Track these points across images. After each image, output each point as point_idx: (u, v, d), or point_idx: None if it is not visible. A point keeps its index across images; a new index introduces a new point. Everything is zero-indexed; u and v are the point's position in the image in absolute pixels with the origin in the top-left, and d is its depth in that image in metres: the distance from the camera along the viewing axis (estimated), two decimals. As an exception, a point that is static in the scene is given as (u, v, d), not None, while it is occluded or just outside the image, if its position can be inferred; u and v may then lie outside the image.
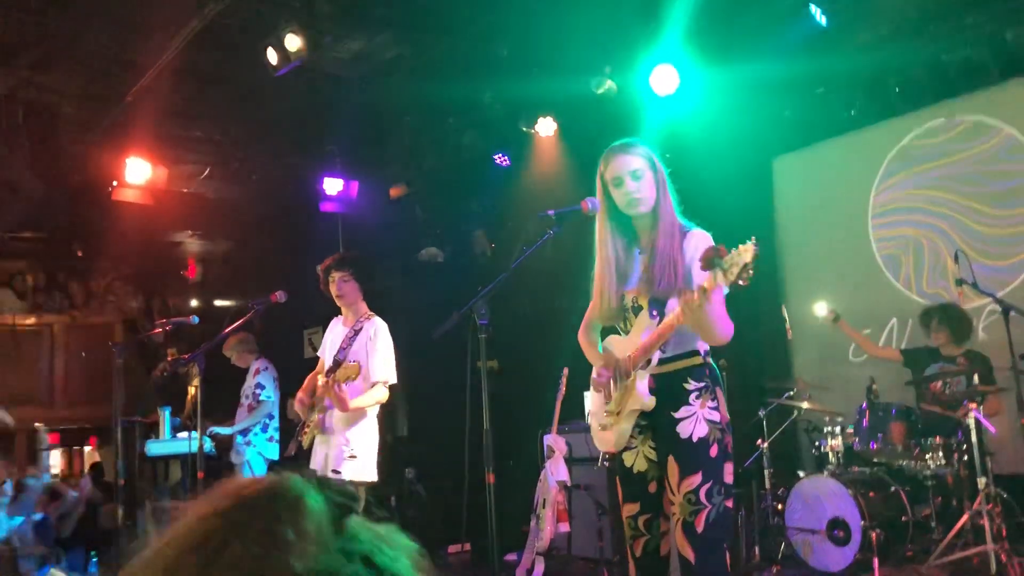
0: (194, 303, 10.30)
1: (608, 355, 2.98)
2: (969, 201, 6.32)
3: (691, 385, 2.83)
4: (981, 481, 4.84)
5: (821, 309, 6.18)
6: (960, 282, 5.26)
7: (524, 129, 7.41)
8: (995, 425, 5.16)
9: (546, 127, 7.36)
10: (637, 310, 2.89)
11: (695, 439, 2.78)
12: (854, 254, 6.88)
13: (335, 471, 4.03)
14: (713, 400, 2.84)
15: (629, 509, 2.92)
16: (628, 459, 2.93)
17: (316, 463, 4.17)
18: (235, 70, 6.98)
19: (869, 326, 6.57)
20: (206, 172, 8.30)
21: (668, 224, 2.87)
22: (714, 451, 2.79)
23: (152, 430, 6.87)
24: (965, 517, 4.88)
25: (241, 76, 7.09)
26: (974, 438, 4.92)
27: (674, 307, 2.76)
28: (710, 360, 2.89)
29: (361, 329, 4.20)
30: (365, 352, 4.16)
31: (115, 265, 10.07)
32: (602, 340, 3.12)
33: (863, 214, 6.89)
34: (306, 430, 4.19)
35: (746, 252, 2.46)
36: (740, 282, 2.46)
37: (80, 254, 10.28)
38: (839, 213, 7.07)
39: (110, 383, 7.54)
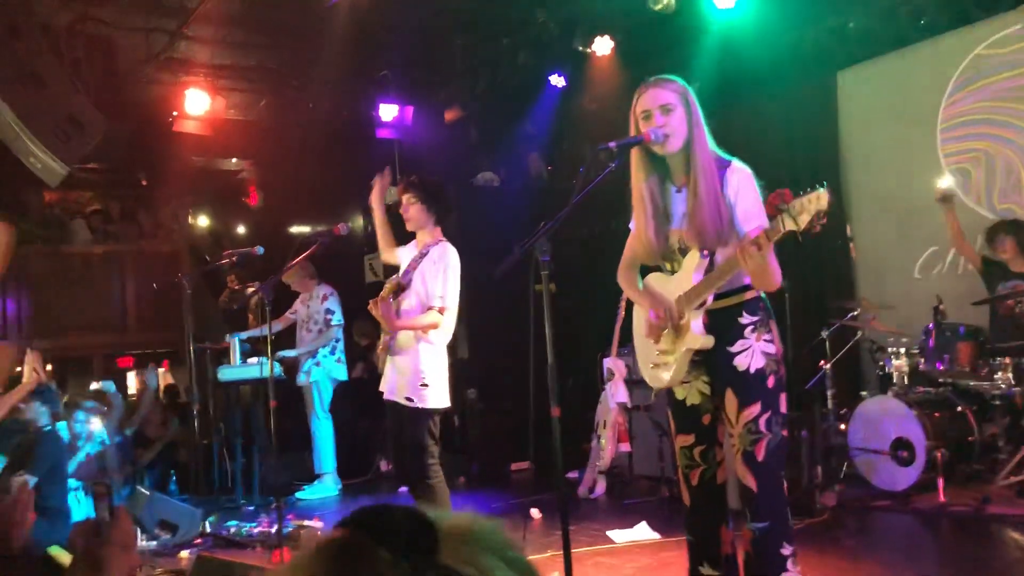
0: (256, 230, 10.48)
1: (654, 295, 2.97)
2: (1045, 112, 6.06)
3: (745, 319, 2.83)
4: (1051, 401, 4.78)
5: (944, 182, 6.05)
6: (1034, 198, 5.10)
7: (580, 48, 7.27)
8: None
9: (603, 46, 7.20)
10: (685, 251, 2.86)
11: (752, 371, 2.80)
12: (922, 169, 6.68)
13: (408, 399, 4.09)
14: (768, 333, 2.85)
15: (683, 440, 2.96)
16: (680, 393, 2.96)
17: (386, 386, 4.22)
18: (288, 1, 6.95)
19: (936, 243, 6.42)
20: (263, 101, 8.34)
21: (705, 161, 2.81)
22: (771, 382, 2.82)
23: (223, 356, 7.08)
24: (1034, 437, 4.82)
25: (293, 5, 7.05)
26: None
27: (725, 248, 2.76)
28: (762, 293, 2.88)
29: (428, 253, 4.19)
30: (428, 275, 4.13)
31: (179, 195, 10.27)
32: (642, 278, 3.11)
33: (932, 128, 6.66)
34: (379, 352, 4.26)
35: (820, 199, 2.41)
36: (814, 229, 2.42)
37: (145, 184, 10.50)
38: (906, 127, 6.84)
39: (179, 310, 7.79)
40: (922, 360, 5.56)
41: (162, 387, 8.74)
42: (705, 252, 2.80)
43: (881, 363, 5.85)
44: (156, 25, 7.23)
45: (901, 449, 5.25)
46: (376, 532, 0.69)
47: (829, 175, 7.18)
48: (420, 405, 4.06)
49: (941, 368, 5.45)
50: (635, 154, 2.90)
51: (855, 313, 5.88)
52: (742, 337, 2.82)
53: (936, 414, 5.31)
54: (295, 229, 9.97)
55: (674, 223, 2.89)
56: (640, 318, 3.07)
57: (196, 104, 7.98)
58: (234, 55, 7.94)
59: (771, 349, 2.84)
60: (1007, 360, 5.23)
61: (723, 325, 2.84)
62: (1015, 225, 5.64)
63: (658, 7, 6.40)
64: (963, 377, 5.41)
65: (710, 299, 2.81)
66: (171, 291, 7.73)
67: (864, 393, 5.84)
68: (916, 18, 6.47)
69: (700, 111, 2.86)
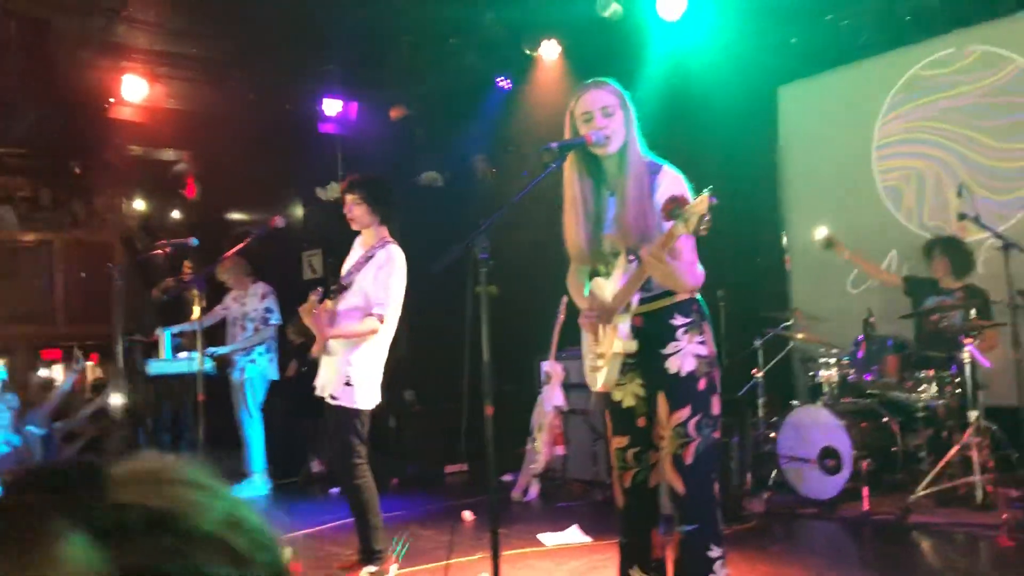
0: (193, 222, 10.27)
1: (593, 298, 2.99)
2: (975, 133, 6.26)
3: (678, 321, 2.85)
4: (972, 414, 4.92)
5: (820, 232, 6.16)
6: (962, 216, 5.25)
7: (527, 51, 7.29)
8: (989, 359, 5.22)
9: (550, 50, 7.23)
10: (616, 254, 2.88)
11: (683, 373, 2.82)
12: (857, 185, 6.84)
13: (332, 397, 4.06)
14: (700, 335, 2.87)
15: (618, 442, 2.98)
16: (616, 395, 2.97)
17: (317, 382, 4.19)
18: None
19: (869, 258, 6.58)
20: (204, 91, 8.17)
21: (636, 165, 2.82)
22: (702, 384, 2.83)
23: (153, 349, 6.92)
24: (955, 449, 4.96)
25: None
26: (968, 372, 4.98)
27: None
28: (697, 295, 2.90)
29: (373, 255, 4.13)
30: (371, 279, 4.08)
31: (113, 183, 10.01)
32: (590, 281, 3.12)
33: (867, 144, 6.83)
34: (314, 352, 4.20)
35: (701, 203, 2.43)
36: (701, 232, 2.44)
37: (78, 172, 10.20)
38: (843, 143, 7.00)
39: (110, 301, 7.58)
40: (851, 371, 5.68)
41: (90, 380, 8.50)
42: (631, 256, 2.81)
43: (811, 373, 5.97)
44: (95, 7, 7.03)
45: (828, 458, 5.36)
46: (36, 488, 0.65)
47: (767, 188, 7.32)
48: (344, 404, 4.02)
49: (869, 379, 5.57)
50: (570, 157, 2.90)
51: (788, 323, 5.99)
52: (674, 339, 2.84)
53: (863, 424, 5.44)
54: (233, 222, 9.81)
55: (606, 227, 2.91)
56: None
57: (134, 91, 7.78)
58: (176, 42, 7.76)
59: (703, 351, 2.86)
60: (931, 373, 5.37)
61: (655, 327, 2.85)
62: (947, 243, 5.79)
63: (606, 14, 6.45)
64: (890, 389, 5.55)
65: (635, 302, 2.82)
66: (102, 282, 7.53)
67: (795, 402, 5.94)
68: (855, 37, 6.63)
69: (634, 120, 2.89)
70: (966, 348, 4.99)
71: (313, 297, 4.05)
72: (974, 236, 5.88)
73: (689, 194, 2.73)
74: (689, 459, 2.78)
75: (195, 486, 0.69)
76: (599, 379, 2.95)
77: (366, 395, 4.06)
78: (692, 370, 2.83)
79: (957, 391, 5.27)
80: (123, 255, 9.22)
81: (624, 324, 2.82)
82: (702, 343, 2.87)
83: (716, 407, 2.86)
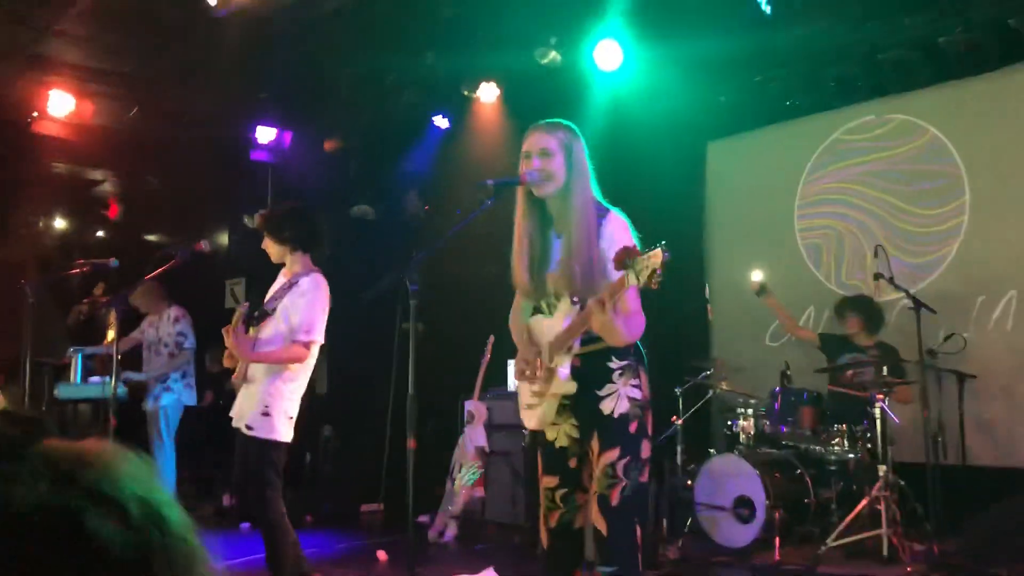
0: (114, 243, 10.00)
1: (531, 338, 3.01)
2: (891, 198, 6.53)
3: (615, 364, 2.87)
4: (881, 468, 5.06)
5: (756, 276, 6.27)
6: (878, 276, 5.45)
7: (465, 93, 7.35)
8: (899, 415, 5.38)
9: (488, 93, 7.31)
10: (560, 295, 2.90)
11: (616, 415, 2.84)
12: (778, 241, 7.05)
13: (248, 426, 3.94)
14: (636, 378, 2.89)
15: (548, 481, 2.97)
16: (551, 434, 2.97)
17: (234, 411, 4.08)
18: (170, 6, 6.73)
19: (790, 313, 6.75)
20: (134, 110, 8.01)
21: (581, 208, 2.85)
22: (633, 427, 2.85)
23: (63, 373, 6.67)
24: (864, 502, 5.08)
25: (177, 13, 6.84)
26: (879, 427, 5.13)
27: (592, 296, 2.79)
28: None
29: (297, 283, 4.07)
30: (294, 306, 4.01)
31: (32, 199, 9.69)
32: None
33: (790, 202, 7.06)
34: (235, 379, 4.09)
35: (655, 257, 2.47)
36: (651, 286, 2.48)
37: (-7, 185, 9.86)
38: (767, 200, 7.22)
39: (18, 321, 7.27)
40: (767, 422, 5.80)
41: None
42: (575, 299, 2.83)
43: (729, 423, 6.07)
44: (24, 19, 6.85)
45: (742, 507, 5.44)
46: None
47: (693, 238, 7.48)
48: (259, 435, 3.92)
49: (784, 431, 5.70)
50: (521, 195, 2.94)
51: (708, 373, 6.09)
52: (610, 381, 2.85)
53: (777, 475, 5.54)
54: (153, 244, 9.59)
55: (551, 267, 2.92)
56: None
57: (60, 106, 7.58)
58: (107, 59, 7.61)
59: (637, 394, 2.88)
60: (844, 427, 5.52)
61: (592, 369, 2.87)
62: (860, 302, 6.00)
63: (544, 61, 6.56)
64: (804, 441, 5.67)
65: (576, 344, 2.84)
66: (11, 300, 7.24)
67: (712, 451, 6.03)
68: (782, 99, 6.88)
69: (585, 159, 2.92)
70: (878, 404, 5.14)
71: (240, 310, 3.96)
72: (888, 296, 6.09)
73: (635, 243, 2.77)
74: (615, 500, 2.78)
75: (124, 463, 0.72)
76: (534, 417, 2.96)
77: (284, 426, 3.97)
78: (625, 412, 2.84)
79: (868, 446, 5.42)
80: (36, 273, 8.91)
81: (564, 367, 2.83)
82: (636, 386, 2.88)
83: (646, 451, 2.88)
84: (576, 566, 2.98)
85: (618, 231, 2.84)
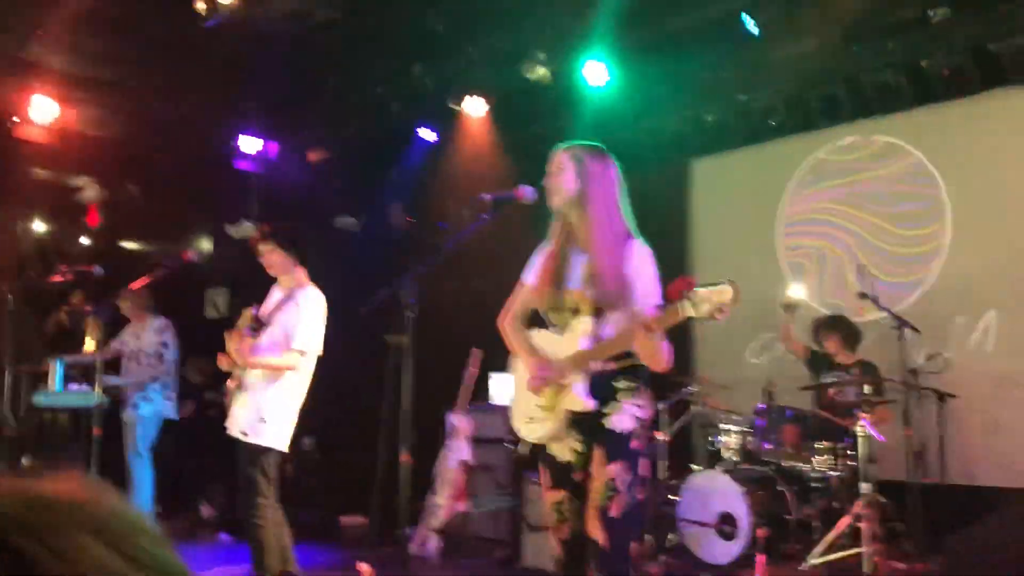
0: (93, 251, 9.90)
1: (540, 352, 3.03)
2: (875, 219, 6.60)
3: (622, 384, 2.94)
4: (864, 486, 5.09)
5: (797, 293, 6.27)
6: (862, 295, 5.51)
7: (452, 106, 7.36)
8: (881, 433, 5.43)
9: (476, 107, 7.32)
10: (576, 312, 2.94)
11: (620, 431, 2.91)
12: (762, 259, 7.10)
13: (243, 432, 3.98)
14: (641, 399, 2.97)
15: (554, 495, 3.03)
16: (554, 449, 3.02)
17: (231, 422, 4.11)
18: (157, 15, 6.71)
19: (771, 331, 6.79)
20: (118, 118, 7.96)
21: (599, 216, 2.91)
22: (635, 444, 2.94)
23: (41, 379, 6.58)
24: (846, 520, 5.11)
25: (163, 22, 6.82)
26: (861, 445, 5.16)
27: (619, 319, 2.87)
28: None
29: (293, 296, 4.15)
30: (291, 318, 4.10)
31: (12, 204, 9.59)
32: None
33: (773, 221, 7.11)
34: (230, 387, 4.13)
35: (724, 293, 2.56)
36: (714, 318, 2.57)
37: (-30, 188, 9.74)
38: (751, 219, 7.28)
39: (-2, 327, 7.17)
40: (750, 439, 5.82)
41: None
42: (599, 320, 2.88)
43: (712, 439, 6.09)
44: (8, 22, 6.80)
45: (725, 523, 5.45)
46: None
47: (677, 255, 7.51)
48: (254, 440, 3.96)
49: (767, 448, 5.72)
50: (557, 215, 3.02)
51: (692, 389, 6.11)
52: (615, 400, 2.92)
53: (760, 492, 5.55)
54: (137, 253, 9.50)
55: (571, 283, 2.96)
56: (521, 371, 3.11)
57: (43, 112, 7.52)
58: (92, 66, 7.55)
59: (641, 414, 2.96)
60: (826, 444, 5.55)
61: (601, 387, 2.92)
62: (837, 321, 6.06)
63: (532, 77, 6.59)
64: (787, 458, 5.70)
65: (598, 365, 2.87)
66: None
67: (695, 467, 6.04)
68: (766, 118, 6.94)
69: (608, 174, 3.00)
70: (861, 422, 5.18)
71: (249, 313, 4.02)
72: (871, 316, 6.15)
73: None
74: (614, 512, 2.85)
75: (110, 538, 0.61)
76: (538, 431, 2.99)
77: (278, 435, 4.01)
78: (629, 430, 2.92)
79: (850, 463, 5.46)
80: (15, 279, 8.80)
81: (580, 383, 2.87)
82: (641, 407, 2.96)
83: (644, 469, 2.99)
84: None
85: (645, 259, 2.93)
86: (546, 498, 3.06)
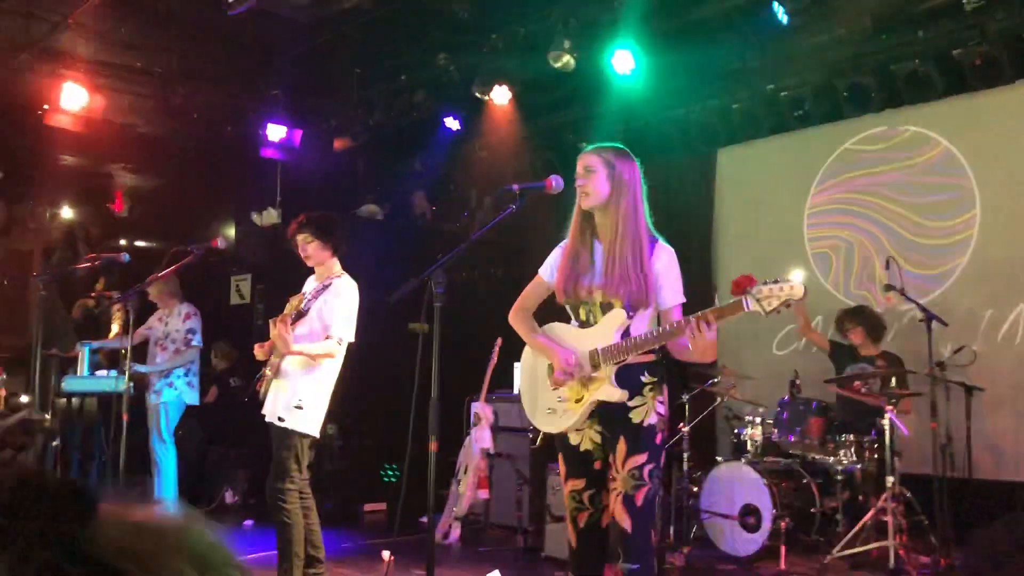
0: (121, 238, 10.00)
1: (559, 343, 3.04)
2: (902, 209, 6.53)
3: (647, 378, 2.98)
4: (889, 479, 5.05)
5: (798, 276, 6.24)
6: (889, 287, 5.45)
7: (478, 95, 7.34)
8: (907, 426, 5.38)
9: (501, 95, 7.29)
10: (606, 307, 2.97)
11: (645, 424, 2.95)
12: (788, 249, 7.05)
13: (280, 418, 4.05)
14: (662, 395, 3.02)
15: (574, 484, 3.06)
16: (574, 438, 3.06)
17: (266, 408, 4.17)
18: (185, 3, 6.75)
19: (794, 322, 6.75)
20: (146, 106, 8.01)
21: (624, 220, 2.95)
22: (658, 439, 2.98)
23: (69, 365, 6.66)
24: (871, 513, 5.08)
25: (191, 10, 6.86)
26: (887, 438, 5.13)
27: (649, 316, 2.95)
28: (661, 357, 3.03)
29: (330, 285, 4.18)
30: (328, 308, 4.15)
31: (41, 191, 9.69)
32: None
33: (800, 211, 7.06)
34: (265, 375, 4.18)
35: (794, 290, 2.63)
36: (776, 312, 2.63)
37: (2, 176, 9.85)
38: (777, 208, 7.22)
39: (24, 312, 7.27)
40: (775, 431, 5.79)
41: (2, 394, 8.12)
42: (631, 315, 2.92)
43: (736, 431, 6.07)
44: (39, 12, 6.86)
45: (749, 515, 5.43)
46: (30, 510, 0.63)
47: (702, 244, 7.48)
48: (289, 426, 4.03)
49: (792, 440, 5.69)
50: (576, 210, 3.06)
51: (716, 380, 6.09)
52: (640, 394, 2.96)
53: (784, 483, 5.54)
54: (164, 240, 9.57)
55: (596, 279, 2.99)
56: (537, 363, 3.14)
57: (72, 100, 7.57)
58: (120, 54, 7.61)
59: (662, 410, 3.01)
60: (851, 437, 5.52)
61: (626, 379, 2.96)
62: (861, 312, 6.00)
63: (558, 65, 6.55)
64: (811, 450, 5.67)
65: (631, 358, 2.90)
66: (19, 291, 7.25)
67: (719, 458, 6.02)
68: (794, 108, 6.88)
69: (634, 180, 3.02)
70: (887, 415, 5.14)
71: (297, 299, 4.08)
72: (899, 307, 6.09)
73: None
74: (640, 501, 2.89)
75: (201, 566, 0.65)
76: (561, 422, 3.03)
77: (312, 421, 4.09)
78: (653, 424, 2.96)
79: (875, 456, 5.42)
80: (44, 266, 8.90)
81: (612, 375, 2.91)
82: (662, 402, 3.01)
83: (663, 462, 3.03)
84: (604, 562, 3.10)
85: (670, 259, 2.99)
86: (564, 487, 3.10)
